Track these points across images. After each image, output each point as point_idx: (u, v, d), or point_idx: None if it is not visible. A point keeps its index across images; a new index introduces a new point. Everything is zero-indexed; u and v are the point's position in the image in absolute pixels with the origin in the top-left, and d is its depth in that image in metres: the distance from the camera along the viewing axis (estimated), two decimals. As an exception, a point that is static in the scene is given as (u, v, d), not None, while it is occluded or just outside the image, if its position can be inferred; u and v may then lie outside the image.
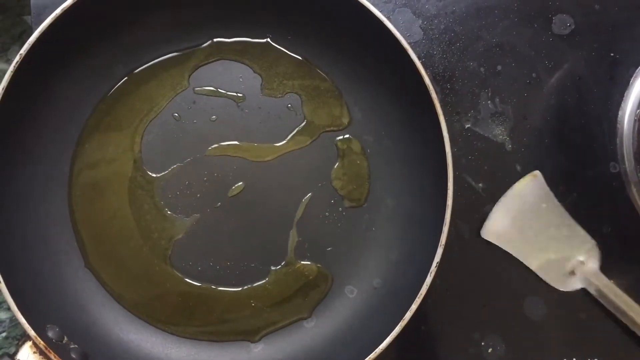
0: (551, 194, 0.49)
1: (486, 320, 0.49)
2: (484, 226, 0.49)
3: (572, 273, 0.48)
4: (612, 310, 0.48)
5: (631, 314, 0.47)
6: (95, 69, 0.48)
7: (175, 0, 0.47)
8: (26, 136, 0.45)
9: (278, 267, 0.48)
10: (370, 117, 0.49)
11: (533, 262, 0.49)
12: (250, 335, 0.47)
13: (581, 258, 0.48)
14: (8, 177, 0.44)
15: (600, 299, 0.48)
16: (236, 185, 0.48)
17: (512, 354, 0.48)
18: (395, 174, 0.48)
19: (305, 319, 0.47)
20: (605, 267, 0.49)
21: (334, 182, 0.48)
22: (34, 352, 0.40)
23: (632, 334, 0.48)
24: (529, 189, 0.49)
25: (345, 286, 0.48)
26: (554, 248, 0.49)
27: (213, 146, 0.48)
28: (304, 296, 0.47)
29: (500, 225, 0.49)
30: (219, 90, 0.49)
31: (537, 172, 0.49)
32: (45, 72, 0.45)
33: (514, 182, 0.49)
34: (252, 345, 0.47)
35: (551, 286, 0.49)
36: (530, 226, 0.49)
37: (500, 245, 0.49)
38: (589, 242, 0.49)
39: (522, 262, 0.49)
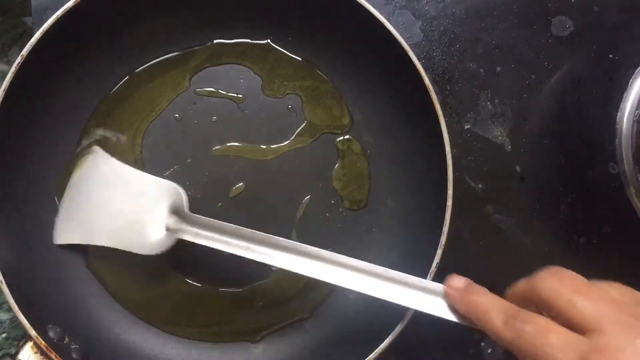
0: (118, 163, 0.46)
1: (486, 321, 0.49)
2: (55, 231, 0.46)
3: (167, 229, 0.43)
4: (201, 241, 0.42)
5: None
6: (96, 70, 0.48)
7: (175, 2, 0.47)
8: (27, 137, 0.45)
9: (278, 268, 0.47)
10: (370, 118, 0.49)
11: (118, 241, 0.44)
12: (250, 335, 0.47)
13: (164, 208, 0.43)
14: (8, 177, 0.44)
15: (201, 241, 0.42)
16: (237, 186, 0.48)
17: (512, 355, 0.48)
18: (395, 174, 0.48)
19: (306, 319, 0.47)
20: (606, 268, 0.49)
21: (334, 183, 0.48)
22: (35, 353, 0.40)
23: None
24: (89, 168, 0.46)
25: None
26: (135, 214, 0.44)
27: (217, 147, 0.48)
28: (304, 296, 0.47)
29: (74, 222, 0.46)
30: (220, 91, 0.49)
31: (94, 148, 0.47)
32: (46, 73, 0.45)
33: (513, 183, 0.50)
34: (253, 345, 0.47)
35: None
36: (106, 205, 0.45)
37: (82, 243, 0.45)
38: (171, 189, 0.44)
39: (520, 263, 0.49)
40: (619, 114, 0.50)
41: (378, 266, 0.38)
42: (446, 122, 0.42)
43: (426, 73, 0.43)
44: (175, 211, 0.43)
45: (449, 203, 0.42)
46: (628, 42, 0.51)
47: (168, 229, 0.43)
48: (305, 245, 0.40)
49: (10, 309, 0.40)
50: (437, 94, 0.43)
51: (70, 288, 0.46)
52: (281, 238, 0.40)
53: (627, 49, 0.50)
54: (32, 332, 0.39)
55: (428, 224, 0.43)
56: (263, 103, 0.49)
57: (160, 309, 0.47)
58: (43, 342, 0.39)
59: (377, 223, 0.48)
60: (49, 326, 0.42)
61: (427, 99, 0.43)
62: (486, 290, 0.34)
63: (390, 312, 0.42)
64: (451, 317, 0.36)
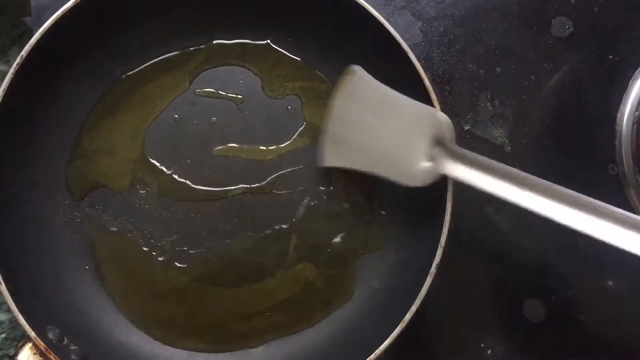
0: (378, 83, 0.43)
1: (486, 322, 0.49)
2: (321, 155, 0.44)
3: (431, 160, 0.40)
4: (482, 185, 0.39)
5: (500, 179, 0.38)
6: (95, 70, 0.48)
7: (175, 2, 0.47)
8: (26, 137, 0.45)
9: (278, 269, 0.48)
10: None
11: (381, 167, 0.42)
12: (250, 339, 0.47)
13: (428, 137, 0.40)
14: (8, 177, 0.44)
15: (465, 179, 0.39)
16: (236, 187, 0.48)
17: (512, 356, 0.48)
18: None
19: (306, 327, 0.47)
20: (605, 269, 0.49)
21: (334, 183, 0.48)
22: (34, 354, 0.40)
23: (631, 335, 0.48)
24: (352, 90, 0.44)
25: (345, 288, 0.48)
26: (398, 140, 0.41)
27: (216, 147, 0.48)
28: (305, 300, 0.47)
29: (338, 144, 0.44)
30: (219, 92, 0.49)
31: (353, 68, 0.44)
32: (46, 73, 0.45)
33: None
34: (253, 348, 0.47)
35: (551, 287, 0.49)
36: (369, 129, 0.42)
37: (347, 167, 0.44)
38: (435, 117, 0.40)
39: (520, 264, 0.49)
40: (618, 114, 0.50)
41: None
42: (446, 122, 0.42)
43: (426, 74, 0.43)
44: (441, 142, 0.39)
45: (449, 204, 0.42)
46: (628, 43, 0.51)
47: (433, 161, 0.40)
48: (588, 200, 0.36)
49: (9, 310, 0.40)
50: (436, 94, 0.43)
51: (69, 289, 0.46)
52: (554, 185, 0.36)
53: (626, 50, 0.51)
54: (31, 334, 0.39)
55: (428, 225, 0.43)
56: (263, 104, 0.49)
57: (160, 310, 0.47)
58: (42, 343, 0.39)
59: (377, 223, 0.48)
60: (48, 327, 0.42)
61: (427, 99, 0.42)
62: None
63: (390, 314, 0.42)
64: None
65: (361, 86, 0.44)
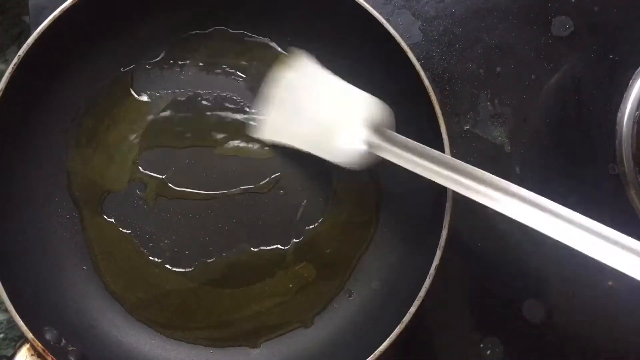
0: (323, 70, 0.46)
1: (485, 322, 0.49)
2: (262, 128, 0.46)
3: (366, 143, 0.42)
4: (401, 162, 0.40)
5: (420, 159, 0.40)
6: (94, 70, 0.48)
7: (173, 2, 0.47)
8: (25, 137, 0.45)
9: (277, 269, 0.47)
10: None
11: (317, 147, 0.44)
12: (250, 339, 0.47)
13: (365, 122, 0.42)
14: (6, 177, 0.44)
15: (388, 156, 0.41)
16: (235, 187, 0.48)
17: (511, 356, 0.48)
18: (394, 175, 0.48)
19: (307, 326, 0.47)
20: (605, 270, 0.49)
21: (334, 184, 0.48)
22: (32, 355, 0.40)
23: (631, 335, 0.48)
24: (296, 71, 0.46)
25: (344, 288, 0.48)
26: (335, 122, 0.43)
27: (216, 147, 0.48)
28: (304, 300, 0.47)
29: (280, 122, 0.46)
30: (219, 91, 0.49)
31: (298, 53, 0.47)
32: (44, 72, 0.45)
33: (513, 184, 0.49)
34: (252, 348, 0.47)
35: (552, 289, 0.49)
36: (308, 109, 0.45)
37: (281, 142, 0.46)
38: (373, 104, 0.43)
39: (520, 264, 0.49)
40: (619, 114, 0.50)
41: (597, 223, 0.36)
42: (445, 122, 0.42)
43: (425, 73, 0.43)
44: (378, 128, 0.41)
45: (449, 204, 0.42)
46: (628, 42, 0.50)
47: (369, 145, 0.41)
48: (513, 186, 0.37)
49: (7, 310, 0.40)
50: (436, 94, 0.43)
51: (68, 290, 0.46)
52: (489, 174, 0.38)
53: (627, 50, 0.50)
54: (29, 335, 0.39)
55: (427, 226, 0.43)
56: (262, 103, 0.49)
57: (159, 311, 0.47)
58: (40, 344, 0.39)
59: (376, 223, 0.48)
60: (46, 328, 0.42)
61: (426, 99, 0.42)
62: None
63: (389, 314, 0.42)
64: None
65: (306, 68, 0.46)
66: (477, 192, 0.38)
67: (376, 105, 0.43)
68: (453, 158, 0.39)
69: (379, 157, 0.41)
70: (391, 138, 0.41)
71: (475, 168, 0.38)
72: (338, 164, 0.43)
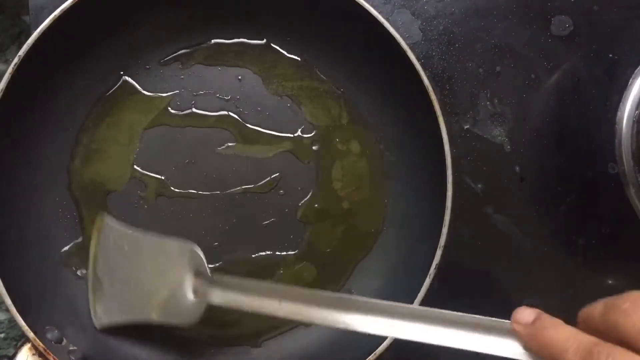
0: (125, 229, 0.44)
1: (485, 322, 0.49)
2: (95, 318, 0.44)
3: (195, 294, 0.41)
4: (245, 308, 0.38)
5: (256, 303, 0.38)
6: (94, 70, 0.48)
7: (173, 2, 0.47)
8: (25, 137, 0.45)
9: (277, 269, 0.47)
10: (369, 118, 0.49)
11: (152, 314, 0.42)
12: (251, 339, 0.47)
13: (189, 271, 0.41)
14: (7, 177, 0.44)
15: (231, 305, 0.39)
16: (235, 187, 0.48)
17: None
18: (394, 174, 0.48)
19: (308, 325, 0.47)
20: (605, 269, 0.49)
21: (333, 183, 0.48)
22: (33, 354, 0.40)
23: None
24: (104, 241, 0.44)
25: (345, 288, 0.48)
26: (163, 282, 0.42)
27: (215, 147, 0.48)
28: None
29: (108, 300, 0.43)
30: (219, 91, 0.49)
31: (102, 216, 0.45)
32: (44, 73, 0.45)
33: (513, 183, 0.49)
34: (253, 348, 0.47)
35: (549, 290, 0.49)
36: (130, 278, 0.43)
37: (124, 322, 0.43)
38: (187, 251, 0.41)
39: (519, 263, 0.49)
40: (618, 113, 0.50)
41: (434, 309, 0.34)
42: (445, 122, 0.42)
43: (425, 73, 0.43)
44: (197, 273, 0.41)
45: (449, 204, 0.42)
46: (628, 41, 0.50)
47: (196, 293, 0.41)
48: (355, 298, 0.36)
49: (8, 309, 0.40)
50: (436, 93, 0.43)
51: (69, 290, 0.46)
52: (318, 290, 0.36)
53: (626, 49, 0.50)
54: (30, 334, 0.39)
55: (427, 225, 0.43)
56: (262, 103, 0.49)
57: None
58: (41, 344, 0.39)
59: (376, 223, 0.48)
60: (47, 328, 0.42)
61: (426, 98, 0.42)
62: (560, 322, 0.30)
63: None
64: (527, 359, 0.31)
65: (114, 236, 0.44)
66: (297, 314, 0.36)
67: (194, 249, 0.41)
68: (276, 284, 0.38)
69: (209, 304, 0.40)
70: (219, 281, 0.40)
71: (302, 289, 0.37)
72: (181, 324, 0.41)
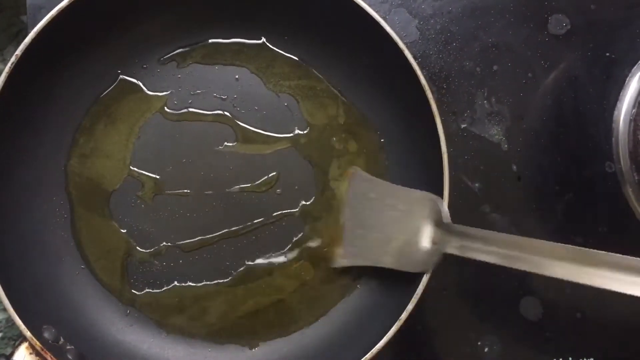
0: (374, 179, 0.46)
1: (482, 320, 0.49)
2: (338, 255, 0.46)
3: (433, 243, 0.41)
4: (486, 259, 0.39)
5: (506, 250, 0.38)
6: (92, 70, 0.48)
7: (170, 2, 0.47)
8: (22, 136, 0.45)
9: (275, 268, 0.47)
10: (366, 117, 0.49)
11: (390, 258, 0.43)
12: (248, 339, 0.47)
13: (428, 222, 0.41)
14: (4, 177, 0.44)
15: (467, 254, 0.40)
16: (232, 187, 0.48)
17: (508, 354, 0.49)
18: (392, 174, 0.48)
19: (309, 324, 0.47)
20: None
21: (331, 183, 0.48)
22: (30, 354, 0.40)
23: (628, 333, 0.48)
24: (353, 189, 0.46)
25: (343, 287, 0.48)
26: (398, 230, 0.43)
27: (213, 146, 0.48)
28: (302, 299, 0.47)
29: (352, 244, 0.45)
30: (216, 90, 0.49)
31: (353, 168, 0.47)
32: (42, 72, 0.45)
33: (510, 182, 0.49)
34: (251, 347, 0.47)
35: (548, 286, 0.49)
36: (371, 224, 0.45)
37: (362, 264, 0.45)
38: (428, 201, 0.42)
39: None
40: (615, 112, 0.50)
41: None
42: (442, 121, 0.42)
43: (422, 72, 0.43)
44: (438, 223, 0.41)
45: (446, 202, 0.42)
46: (625, 40, 0.50)
47: (434, 243, 0.41)
48: (585, 250, 0.36)
49: (5, 309, 0.40)
50: (433, 92, 0.43)
51: (66, 289, 0.46)
52: (557, 244, 0.37)
53: (623, 48, 0.50)
54: (27, 333, 0.39)
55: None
56: (259, 102, 0.49)
57: (157, 310, 0.47)
58: (38, 343, 0.39)
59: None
60: (44, 327, 0.42)
61: (423, 97, 0.42)
62: None
63: (387, 312, 0.42)
64: None
65: (362, 185, 0.46)
66: (534, 264, 0.37)
67: (435, 200, 0.42)
68: (519, 237, 0.39)
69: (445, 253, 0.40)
70: (458, 231, 0.40)
71: (540, 241, 0.38)
72: (413, 271, 0.42)
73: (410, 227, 0.42)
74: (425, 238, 0.41)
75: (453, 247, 0.40)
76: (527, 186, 0.50)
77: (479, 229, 0.40)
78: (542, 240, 0.38)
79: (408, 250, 0.42)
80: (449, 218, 0.41)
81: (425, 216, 0.42)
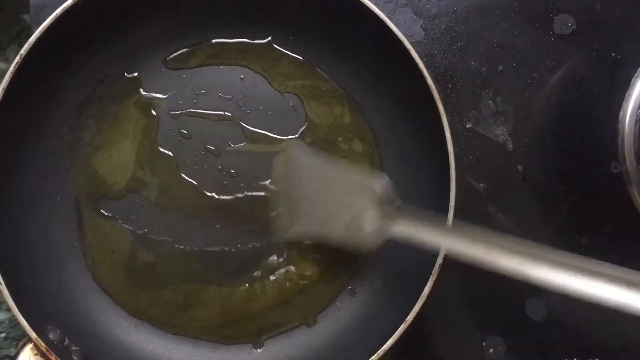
0: (318, 154, 0.45)
1: (487, 321, 0.49)
2: (279, 228, 0.46)
3: (378, 222, 0.40)
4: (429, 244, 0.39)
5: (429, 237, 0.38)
6: (95, 69, 0.48)
7: (175, 1, 0.47)
8: (27, 136, 0.45)
9: (280, 267, 0.47)
10: (371, 117, 0.49)
11: (333, 235, 0.43)
12: (253, 338, 0.47)
13: (374, 200, 0.40)
14: (9, 177, 0.44)
15: (414, 239, 0.39)
16: (237, 186, 0.48)
17: (513, 354, 0.48)
18: (397, 174, 0.48)
19: (310, 324, 0.47)
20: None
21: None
22: (35, 354, 0.40)
23: (632, 334, 0.48)
24: (296, 162, 0.45)
25: (347, 288, 0.48)
26: (346, 206, 0.42)
27: (216, 146, 0.48)
28: (307, 299, 0.47)
29: (293, 215, 0.45)
30: (220, 90, 0.49)
31: (294, 142, 0.47)
32: (46, 71, 0.45)
33: (515, 182, 0.49)
34: (255, 347, 0.47)
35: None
36: (318, 198, 0.43)
37: (302, 238, 0.45)
38: (376, 180, 0.42)
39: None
40: (621, 112, 0.50)
41: None
42: (448, 120, 0.42)
43: (428, 71, 0.42)
44: (383, 203, 0.40)
45: (452, 203, 0.42)
46: (630, 40, 0.50)
47: (378, 223, 0.40)
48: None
49: (9, 309, 0.40)
50: (438, 92, 0.42)
51: (71, 289, 0.46)
52: (510, 236, 0.37)
53: (629, 48, 0.50)
54: (32, 334, 0.39)
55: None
56: (264, 102, 0.49)
57: (161, 310, 0.47)
58: (43, 344, 0.39)
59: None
60: (49, 327, 0.42)
61: (429, 97, 0.42)
62: None
63: (392, 314, 0.42)
64: None
65: (304, 157, 0.45)
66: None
67: (381, 179, 0.42)
68: (471, 225, 0.38)
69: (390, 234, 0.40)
70: (406, 212, 0.40)
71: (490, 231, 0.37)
72: (357, 248, 0.42)
73: (357, 204, 0.41)
74: (372, 217, 0.41)
75: (398, 230, 0.40)
76: (533, 186, 0.50)
77: (421, 215, 0.39)
78: (493, 231, 0.37)
79: (355, 226, 0.41)
80: (396, 199, 0.41)
81: (372, 194, 0.41)
